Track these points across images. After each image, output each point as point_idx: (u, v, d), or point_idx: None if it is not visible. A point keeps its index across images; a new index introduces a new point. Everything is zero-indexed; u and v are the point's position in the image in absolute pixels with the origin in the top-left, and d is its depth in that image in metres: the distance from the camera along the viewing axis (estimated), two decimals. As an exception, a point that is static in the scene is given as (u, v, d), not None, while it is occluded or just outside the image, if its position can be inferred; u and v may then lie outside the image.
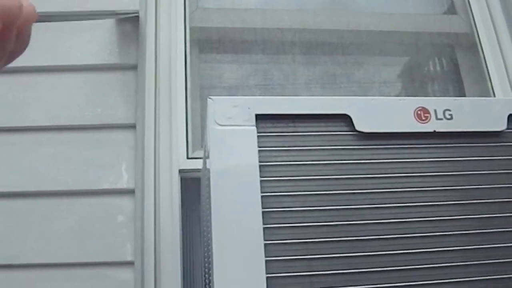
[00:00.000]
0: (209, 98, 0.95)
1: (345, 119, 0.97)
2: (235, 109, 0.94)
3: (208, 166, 0.96)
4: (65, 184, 1.41)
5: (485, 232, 0.95)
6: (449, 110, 1.00)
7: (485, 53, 1.73)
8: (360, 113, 0.97)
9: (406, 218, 0.93)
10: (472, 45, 1.79)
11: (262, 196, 0.90)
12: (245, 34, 1.75)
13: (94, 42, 1.54)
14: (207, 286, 1.06)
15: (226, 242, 0.87)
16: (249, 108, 0.95)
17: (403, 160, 0.97)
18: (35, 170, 1.41)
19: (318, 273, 0.88)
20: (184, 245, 1.42)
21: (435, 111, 1.00)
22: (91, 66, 1.49)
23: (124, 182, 1.41)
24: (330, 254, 0.89)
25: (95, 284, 1.33)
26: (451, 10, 1.89)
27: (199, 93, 1.62)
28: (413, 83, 1.84)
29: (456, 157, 0.99)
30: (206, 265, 1.06)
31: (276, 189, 0.91)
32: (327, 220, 0.91)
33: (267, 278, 0.86)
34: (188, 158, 1.47)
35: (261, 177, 0.91)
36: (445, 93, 1.79)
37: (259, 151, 0.92)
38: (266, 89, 1.72)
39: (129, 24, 1.56)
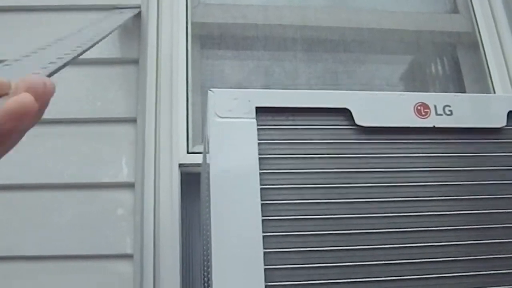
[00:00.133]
0: (210, 90, 0.95)
1: (345, 113, 0.97)
2: (235, 102, 0.94)
3: (208, 161, 0.96)
4: (65, 177, 1.41)
5: (484, 228, 0.95)
6: (449, 106, 1.00)
7: (486, 52, 1.74)
8: (360, 108, 0.97)
9: (405, 212, 0.93)
10: (473, 44, 1.80)
11: (261, 189, 0.90)
12: (247, 30, 1.75)
13: (96, 36, 1.54)
14: (205, 279, 1.06)
15: (225, 236, 0.87)
16: (249, 100, 0.95)
17: (402, 155, 0.97)
18: (35, 163, 1.42)
19: (315, 265, 0.88)
20: (183, 239, 1.42)
21: (435, 106, 1.00)
22: (92, 60, 1.50)
23: (124, 175, 1.42)
24: (328, 247, 0.89)
25: (94, 277, 1.33)
26: (453, 8, 1.89)
27: (200, 89, 1.63)
28: (414, 81, 1.85)
29: (455, 153, 0.99)
30: (205, 258, 1.07)
31: (275, 182, 0.91)
32: (326, 214, 0.91)
33: (265, 269, 0.86)
34: (188, 152, 1.47)
35: (260, 169, 0.91)
36: (445, 92, 1.79)
37: (259, 143, 0.92)
38: (267, 87, 1.72)
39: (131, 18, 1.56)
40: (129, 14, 1.52)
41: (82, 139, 1.46)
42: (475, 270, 0.93)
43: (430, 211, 0.94)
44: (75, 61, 1.09)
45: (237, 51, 1.76)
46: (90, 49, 1.07)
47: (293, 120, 0.96)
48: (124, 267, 1.34)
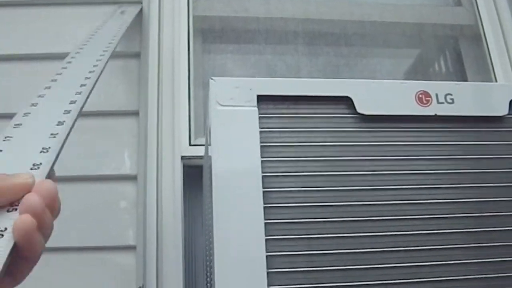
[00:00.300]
0: (211, 78, 0.96)
1: (347, 101, 0.97)
2: (237, 90, 0.94)
3: (210, 153, 0.96)
4: (67, 170, 1.41)
5: (484, 216, 0.96)
6: (451, 95, 1.00)
7: (489, 44, 1.73)
8: (362, 96, 0.97)
9: (405, 200, 0.93)
10: (476, 37, 1.80)
11: (263, 176, 0.90)
12: (248, 23, 1.75)
13: (98, 29, 1.54)
14: (208, 270, 1.06)
15: (227, 224, 0.87)
16: (251, 89, 0.95)
17: (404, 143, 0.97)
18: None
19: (317, 252, 0.88)
20: (186, 231, 1.42)
21: (437, 95, 1.00)
22: (94, 53, 1.50)
23: (127, 168, 1.42)
24: (329, 234, 0.89)
25: (97, 268, 1.34)
26: (456, 1, 1.89)
27: (201, 82, 1.63)
28: (416, 74, 1.85)
29: (456, 141, 0.99)
30: (208, 252, 1.07)
31: (277, 170, 0.92)
32: (328, 201, 0.91)
33: (267, 256, 0.86)
34: (190, 145, 1.47)
35: (262, 157, 0.91)
36: (448, 85, 1.79)
37: (261, 132, 0.93)
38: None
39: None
40: (132, 13, 1.52)
41: (84, 132, 1.45)
42: (476, 257, 0.93)
43: (431, 199, 0.94)
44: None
45: (239, 45, 1.76)
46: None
47: (295, 108, 0.96)
48: (127, 259, 1.34)
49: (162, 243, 1.36)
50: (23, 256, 0.52)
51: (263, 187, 0.89)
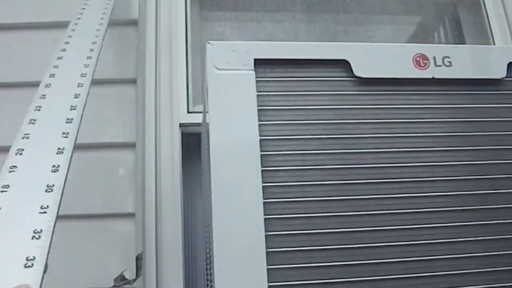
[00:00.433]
0: (208, 42, 0.95)
1: (344, 64, 0.97)
2: (233, 54, 0.94)
3: (207, 120, 0.96)
4: (66, 138, 1.41)
5: (482, 179, 0.96)
6: (448, 57, 1.00)
7: (487, 10, 1.72)
8: (359, 59, 0.97)
9: (403, 163, 0.94)
10: (475, 3, 1.78)
11: (261, 140, 0.90)
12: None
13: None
14: (207, 236, 1.07)
15: (225, 192, 0.88)
16: (247, 52, 0.95)
17: (401, 106, 0.97)
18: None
19: (315, 215, 0.89)
20: (185, 198, 1.43)
21: (434, 58, 1.00)
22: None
23: (125, 135, 1.42)
24: (327, 197, 0.90)
25: (96, 236, 1.34)
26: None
27: (199, 50, 1.62)
28: (415, 40, 1.84)
29: (454, 104, 0.99)
30: (206, 218, 1.07)
31: (274, 133, 0.92)
32: (325, 164, 0.91)
33: (265, 219, 0.87)
34: (188, 112, 1.47)
35: (259, 121, 0.91)
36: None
37: (258, 95, 0.92)
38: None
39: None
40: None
41: (82, 100, 1.45)
42: (472, 220, 0.93)
43: (429, 162, 0.95)
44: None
45: (236, 12, 1.75)
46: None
47: (292, 71, 0.96)
48: (126, 226, 1.35)
49: (161, 210, 1.37)
50: None
51: (261, 151, 0.90)
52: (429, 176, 0.94)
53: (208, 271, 1.07)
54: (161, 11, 1.58)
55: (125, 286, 1.30)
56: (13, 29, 1.51)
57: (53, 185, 0.65)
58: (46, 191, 0.64)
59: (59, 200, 0.64)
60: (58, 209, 0.64)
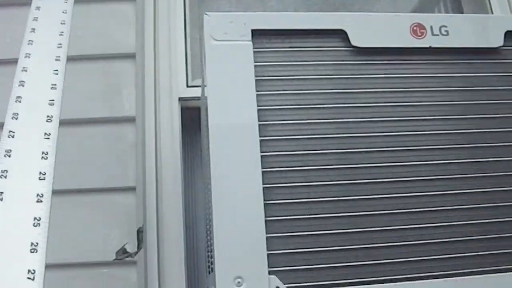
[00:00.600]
0: (205, 14, 0.95)
1: (341, 34, 0.97)
2: (231, 25, 0.94)
3: (206, 94, 0.97)
4: (66, 113, 1.41)
5: (480, 146, 0.97)
6: (445, 26, 1.00)
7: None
8: (356, 29, 0.97)
9: (400, 132, 0.94)
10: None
11: (258, 110, 0.91)
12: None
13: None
14: (208, 206, 1.07)
15: (224, 165, 0.89)
16: (245, 23, 0.95)
17: (398, 75, 0.97)
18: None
19: (314, 183, 0.90)
20: (185, 171, 1.44)
21: (431, 27, 1.00)
22: (89, -2, 1.49)
23: (125, 110, 1.43)
24: (326, 166, 0.91)
25: (98, 209, 1.35)
26: None
27: (198, 23, 1.62)
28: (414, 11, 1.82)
29: (451, 73, 1.00)
30: (207, 188, 1.08)
31: (272, 103, 0.92)
32: (322, 133, 0.92)
33: (264, 188, 0.87)
34: (188, 86, 1.47)
35: (257, 91, 0.92)
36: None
37: (255, 66, 0.93)
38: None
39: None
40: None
41: (82, 76, 1.46)
42: (474, 187, 0.94)
43: (426, 130, 0.95)
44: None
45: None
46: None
47: (289, 42, 0.96)
48: (127, 199, 1.36)
49: (161, 183, 1.38)
50: None
51: (259, 120, 0.90)
52: (427, 145, 0.94)
53: (208, 242, 1.08)
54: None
55: (127, 259, 1.32)
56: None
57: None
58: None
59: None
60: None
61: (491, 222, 0.93)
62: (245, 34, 0.94)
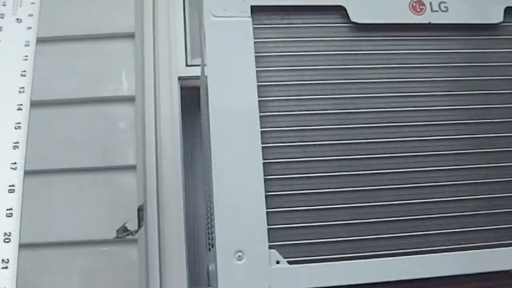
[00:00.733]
0: (205, -10, 0.95)
1: (340, 10, 0.97)
2: (230, 1, 0.94)
3: (206, 72, 0.97)
4: (66, 93, 1.42)
5: (478, 122, 0.97)
6: (445, 3, 1.00)
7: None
8: (355, 4, 0.97)
9: (400, 107, 0.95)
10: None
11: (258, 86, 0.91)
12: None
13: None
14: (207, 182, 1.08)
15: (225, 142, 0.89)
16: (244, 0, 0.95)
17: (398, 51, 0.97)
18: (36, 80, 1.42)
19: (313, 158, 0.90)
20: (185, 149, 1.44)
21: (430, 3, 1.00)
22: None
23: (124, 89, 1.43)
24: (325, 141, 0.91)
25: (98, 188, 1.36)
26: None
27: (197, 1, 1.61)
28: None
29: (450, 49, 1.00)
30: (207, 164, 1.08)
31: (272, 79, 0.93)
32: (322, 109, 0.92)
33: (264, 163, 0.88)
34: (187, 65, 1.48)
35: (257, 67, 0.92)
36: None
37: (255, 42, 0.93)
38: None
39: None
40: None
41: (81, 55, 1.46)
42: (471, 163, 0.95)
43: (424, 106, 0.96)
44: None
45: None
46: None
47: (288, 18, 0.96)
48: (128, 178, 1.37)
49: (161, 162, 1.39)
50: None
51: (259, 96, 0.90)
52: (428, 120, 0.95)
53: (208, 219, 1.09)
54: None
55: (128, 237, 1.33)
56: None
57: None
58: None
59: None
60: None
61: (488, 197, 0.94)
62: (245, 11, 0.94)
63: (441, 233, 0.91)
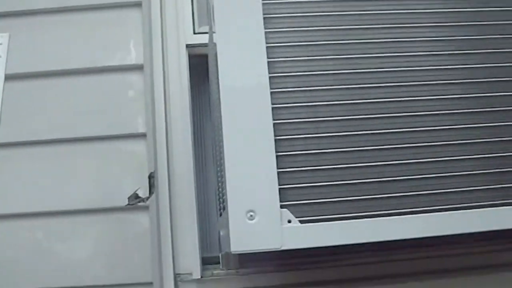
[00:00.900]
0: (210, -48, 0.96)
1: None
2: (237, -35, 0.95)
3: (214, 40, 0.97)
4: (74, 63, 1.43)
5: (477, 82, 0.97)
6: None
7: None
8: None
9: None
10: None
11: (267, 47, 0.92)
12: None
13: None
14: (218, 144, 1.09)
15: (235, 105, 0.90)
16: (250, -37, 0.95)
17: (405, 11, 0.98)
18: (45, 51, 1.43)
19: (322, 119, 0.91)
20: (194, 117, 1.45)
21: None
22: None
23: (133, 58, 1.43)
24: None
25: (109, 156, 1.37)
26: None
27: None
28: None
29: (458, 8, 1.00)
30: (217, 126, 1.09)
31: (280, 40, 0.94)
32: (330, 69, 0.93)
33: (274, 124, 0.89)
34: (195, 33, 1.47)
35: (265, 29, 0.93)
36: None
37: (263, 4, 0.94)
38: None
39: None
40: None
41: (89, 25, 1.46)
42: (476, 122, 0.95)
43: (430, 66, 0.96)
44: None
45: None
46: None
47: (296, -20, 0.97)
48: (138, 146, 1.37)
49: (171, 129, 1.39)
50: None
51: (268, 58, 0.91)
52: (437, 80, 0.95)
53: (219, 184, 1.10)
54: None
55: (139, 204, 1.34)
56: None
57: None
58: None
59: None
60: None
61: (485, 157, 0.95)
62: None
63: (455, 191, 0.92)
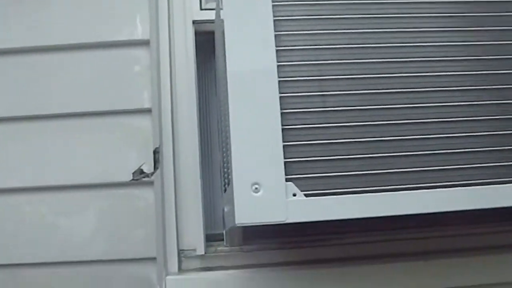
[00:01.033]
0: None
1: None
2: None
3: (222, 17, 0.97)
4: (81, 38, 1.42)
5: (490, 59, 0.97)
6: None
7: None
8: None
9: (412, 43, 0.95)
10: None
11: (274, 21, 0.92)
12: None
13: None
14: (224, 118, 1.09)
15: (241, 82, 0.89)
16: None
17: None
18: (51, 25, 1.43)
19: (329, 93, 0.90)
20: (200, 93, 1.44)
21: None
22: None
23: (139, 33, 1.43)
24: (340, 76, 0.91)
25: (114, 131, 1.37)
26: None
27: None
28: None
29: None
30: (223, 100, 1.09)
31: (287, 13, 0.94)
32: (337, 44, 0.93)
33: (280, 97, 0.88)
34: (201, 9, 1.47)
35: (273, 2, 0.92)
36: None
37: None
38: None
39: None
40: None
41: (95, 1, 1.46)
42: (485, 99, 0.95)
43: (439, 42, 0.96)
44: None
45: None
46: None
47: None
48: (143, 121, 1.37)
49: (176, 104, 1.39)
50: None
51: (275, 31, 0.91)
52: (440, 56, 0.95)
53: (224, 159, 1.10)
54: None
55: (144, 179, 1.34)
56: None
57: None
58: None
59: None
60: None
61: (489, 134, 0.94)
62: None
63: (458, 167, 0.92)
